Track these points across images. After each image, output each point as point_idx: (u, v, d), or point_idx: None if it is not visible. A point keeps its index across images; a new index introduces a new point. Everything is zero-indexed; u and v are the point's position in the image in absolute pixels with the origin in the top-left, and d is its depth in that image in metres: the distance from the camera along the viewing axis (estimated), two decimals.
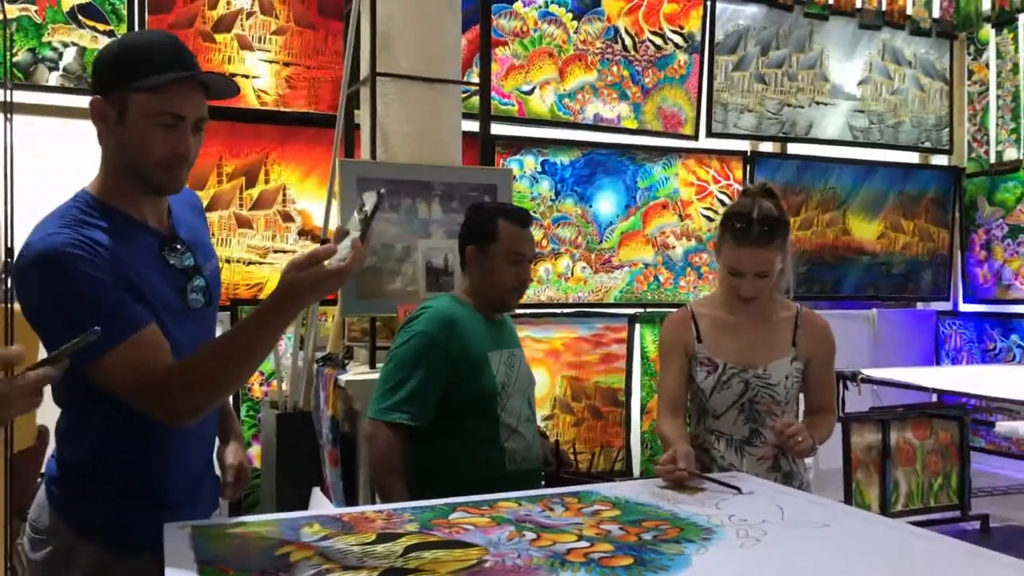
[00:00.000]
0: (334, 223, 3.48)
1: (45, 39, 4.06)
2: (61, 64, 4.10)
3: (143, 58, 1.40)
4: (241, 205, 4.27)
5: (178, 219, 1.57)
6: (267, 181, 4.35)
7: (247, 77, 4.29)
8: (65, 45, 4.10)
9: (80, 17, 4.10)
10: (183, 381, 1.37)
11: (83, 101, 4.19)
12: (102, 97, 1.43)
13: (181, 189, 1.53)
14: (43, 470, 1.53)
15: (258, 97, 4.33)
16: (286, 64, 4.43)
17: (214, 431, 1.68)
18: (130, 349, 1.34)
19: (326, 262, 1.32)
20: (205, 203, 4.02)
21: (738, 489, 1.73)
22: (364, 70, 3.54)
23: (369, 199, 1.37)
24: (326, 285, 1.33)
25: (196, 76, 1.44)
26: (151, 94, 1.39)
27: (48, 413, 3.68)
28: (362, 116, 3.63)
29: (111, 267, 1.37)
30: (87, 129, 5.01)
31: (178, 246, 1.52)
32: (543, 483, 2.21)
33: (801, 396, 2.18)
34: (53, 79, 4.09)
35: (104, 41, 4.14)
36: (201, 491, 1.62)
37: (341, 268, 1.32)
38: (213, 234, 1.88)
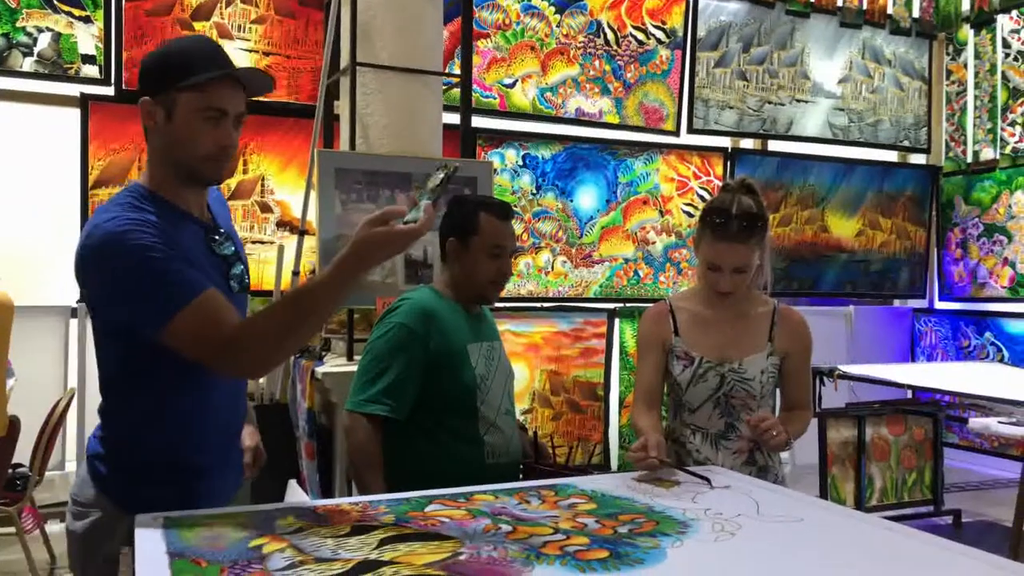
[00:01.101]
0: (312, 214, 3.45)
1: (19, 24, 4.00)
2: (36, 50, 4.04)
3: (186, 60, 1.52)
4: None
5: (214, 211, 1.69)
6: (245, 171, 4.32)
7: None
8: (40, 30, 4.04)
9: (55, 2, 4.04)
10: (253, 336, 1.47)
11: (58, 87, 4.17)
12: (151, 98, 1.53)
13: (225, 180, 1.66)
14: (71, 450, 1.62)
15: None
16: (266, 54, 4.39)
17: (244, 409, 1.78)
18: (196, 310, 1.43)
19: (398, 223, 1.42)
20: None
21: (707, 480, 1.74)
22: (344, 60, 3.51)
23: (442, 170, 1.48)
24: (396, 244, 1.44)
25: (234, 73, 1.56)
26: (196, 92, 1.51)
27: (22, 406, 3.59)
28: (342, 107, 3.61)
29: (169, 244, 1.47)
30: (62, 115, 4.90)
31: (217, 236, 1.63)
32: (520, 476, 2.21)
33: (778, 392, 2.19)
34: (27, 65, 4.03)
35: (80, 26, 4.09)
36: (232, 466, 1.72)
37: (412, 229, 1.42)
38: None
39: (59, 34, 4.06)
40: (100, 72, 4.16)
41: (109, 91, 4.18)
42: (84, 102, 4.09)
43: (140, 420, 1.57)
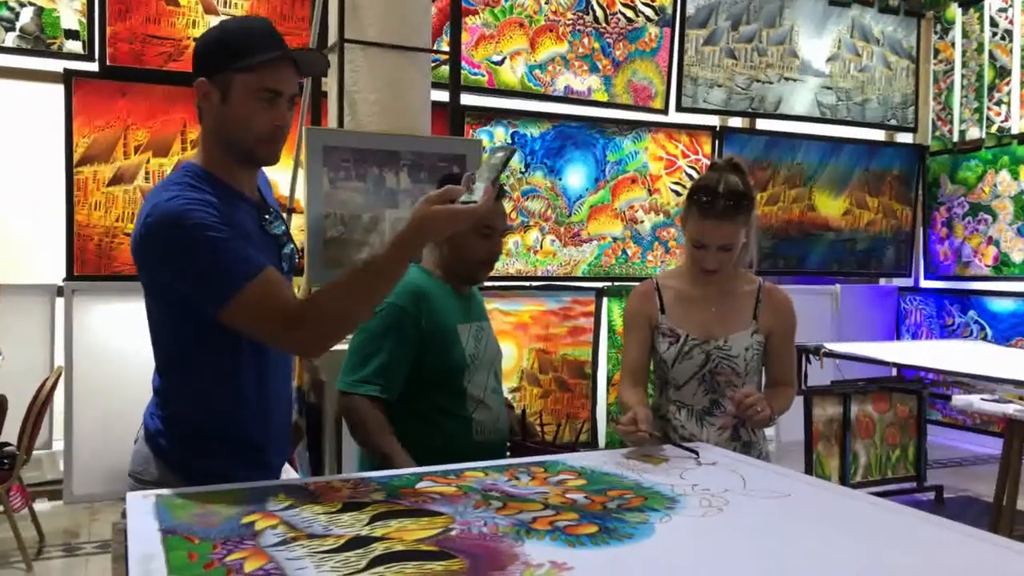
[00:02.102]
0: (300, 192, 3.44)
1: None
2: (18, 24, 3.98)
3: (242, 41, 1.54)
4: None
5: (262, 191, 1.71)
6: None
7: None
8: (22, 5, 3.98)
9: None
10: (315, 313, 1.48)
11: (41, 63, 4.12)
12: (207, 79, 1.55)
13: (278, 160, 1.65)
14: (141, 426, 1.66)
15: None
16: None
17: (291, 386, 1.83)
18: (257, 288, 1.45)
19: (456, 202, 1.44)
20: (168, 170, 3.95)
21: (695, 453, 1.77)
22: (332, 37, 3.49)
23: (501, 151, 1.49)
24: (457, 222, 1.45)
25: (291, 55, 1.56)
26: (252, 73, 1.53)
27: (8, 385, 3.58)
28: (329, 84, 3.58)
29: (228, 222, 1.49)
30: (45, 91, 4.82)
31: (268, 215, 1.66)
32: (508, 453, 2.22)
33: (763, 369, 2.21)
34: (10, 40, 3.97)
35: (62, 1, 4.04)
36: (285, 441, 1.78)
37: (473, 208, 1.43)
38: None
39: (41, 8, 4.00)
40: (84, 48, 4.11)
41: (93, 67, 4.13)
42: (68, 78, 4.05)
43: (202, 396, 1.60)
